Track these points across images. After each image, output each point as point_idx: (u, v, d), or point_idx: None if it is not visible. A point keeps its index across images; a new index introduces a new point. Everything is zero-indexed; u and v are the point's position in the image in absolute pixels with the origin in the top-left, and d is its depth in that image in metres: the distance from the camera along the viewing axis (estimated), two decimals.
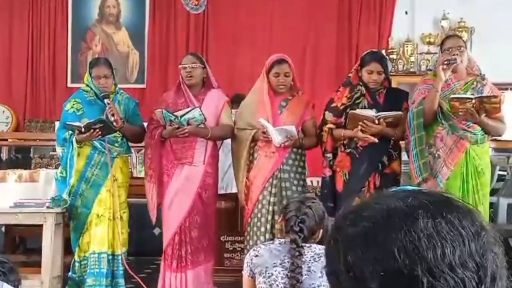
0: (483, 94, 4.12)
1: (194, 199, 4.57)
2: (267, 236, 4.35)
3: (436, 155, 4.14)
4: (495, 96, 4.04)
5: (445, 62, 4.09)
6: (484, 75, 4.31)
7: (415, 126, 4.14)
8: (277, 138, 4.37)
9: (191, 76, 4.64)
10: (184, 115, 4.45)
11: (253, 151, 4.55)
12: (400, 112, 4.34)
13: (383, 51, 6.10)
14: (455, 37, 4.60)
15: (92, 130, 4.51)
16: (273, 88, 4.57)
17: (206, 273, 4.65)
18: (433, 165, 4.15)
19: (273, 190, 4.45)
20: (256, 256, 2.88)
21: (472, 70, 4.30)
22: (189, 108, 4.53)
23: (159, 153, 4.63)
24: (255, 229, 4.45)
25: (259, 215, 4.45)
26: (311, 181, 5.72)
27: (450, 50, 4.20)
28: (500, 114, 4.11)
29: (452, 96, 4.07)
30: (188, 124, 4.46)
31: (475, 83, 4.25)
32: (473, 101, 3.96)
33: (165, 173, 4.62)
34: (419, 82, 4.46)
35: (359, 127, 4.25)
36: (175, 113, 4.46)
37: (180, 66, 4.71)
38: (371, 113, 4.30)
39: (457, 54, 4.15)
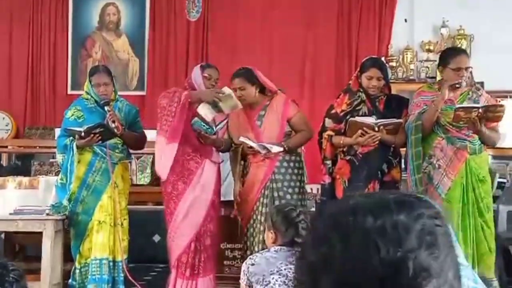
0: (479, 105, 4.09)
1: (209, 206, 4.60)
2: (261, 246, 4.33)
3: (437, 166, 4.13)
4: (501, 105, 4.03)
5: (452, 86, 4.05)
6: (479, 84, 4.30)
7: (413, 141, 4.13)
8: (262, 150, 4.38)
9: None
10: (218, 125, 4.56)
11: (246, 165, 4.57)
12: (400, 120, 4.33)
13: (383, 59, 6.11)
14: (464, 55, 4.28)
15: (92, 135, 4.51)
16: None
17: (214, 281, 4.69)
18: (433, 175, 4.13)
19: (265, 201, 4.43)
20: (253, 264, 2.88)
21: (468, 80, 4.25)
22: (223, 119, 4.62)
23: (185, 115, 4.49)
24: (251, 239, 4.46)
25: (254, 225, 4.45)
26: (311, 188, 5.72)
27: (459, 71, 4.09)
28: (496, 123, 4.10)
29: (458, 106, 4.03)
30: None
31: (470, 93, 4.23)
32: (480, 110, 3.95)
33: (180, 180, 4.59)
34: (414, 94, 4.42)
35: (359, 133, 4.25)
36: (209, 123, 4.52)
37: (204, 74, 4.61)
38: (371, 120, 4.29)
39: (465, 76, 4.09)
